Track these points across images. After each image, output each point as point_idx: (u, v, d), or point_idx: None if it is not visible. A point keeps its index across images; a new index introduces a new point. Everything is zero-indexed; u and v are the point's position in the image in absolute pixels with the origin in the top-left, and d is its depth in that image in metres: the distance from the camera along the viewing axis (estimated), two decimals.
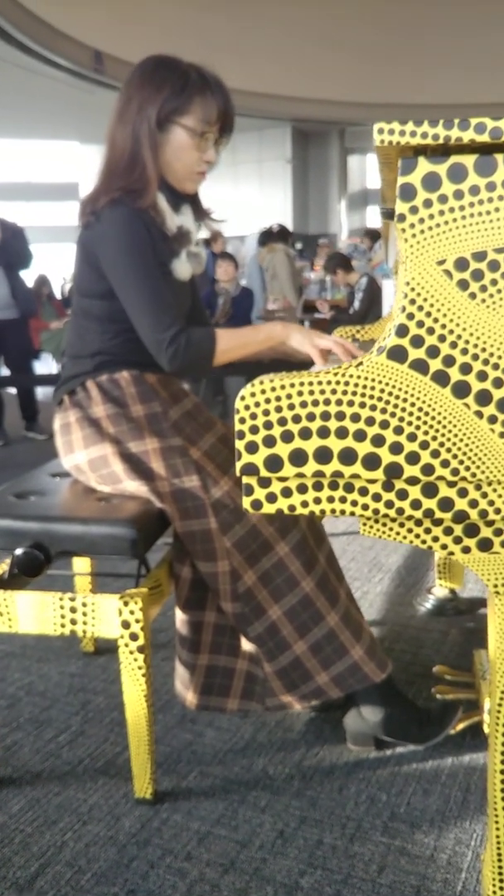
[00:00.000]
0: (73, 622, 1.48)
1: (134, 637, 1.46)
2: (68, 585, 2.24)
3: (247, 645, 1.64)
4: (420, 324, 0.88)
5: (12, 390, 6.85)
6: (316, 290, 8.31)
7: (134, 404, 1.66)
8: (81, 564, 2.08)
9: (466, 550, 0.96)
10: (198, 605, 1.64)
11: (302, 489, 0.94)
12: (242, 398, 0.92)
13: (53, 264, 11.78)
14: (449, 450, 0.89)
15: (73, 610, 1.48)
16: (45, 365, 9.66)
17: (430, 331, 0.88)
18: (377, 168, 1.18)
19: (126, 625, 1.45)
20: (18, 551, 1.46)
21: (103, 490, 1.65)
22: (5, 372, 5.91)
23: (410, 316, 0.88)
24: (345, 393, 0.90)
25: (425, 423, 0.89)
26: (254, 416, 0.92)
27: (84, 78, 12.20)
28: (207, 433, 1.71)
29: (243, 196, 15.00)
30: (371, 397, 0.89)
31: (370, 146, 16.20)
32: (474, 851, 1.40)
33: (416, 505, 0.92)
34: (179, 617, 1.66)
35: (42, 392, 6.28)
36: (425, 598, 2.41)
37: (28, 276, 5.70)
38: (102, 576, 1.90)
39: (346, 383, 0.90)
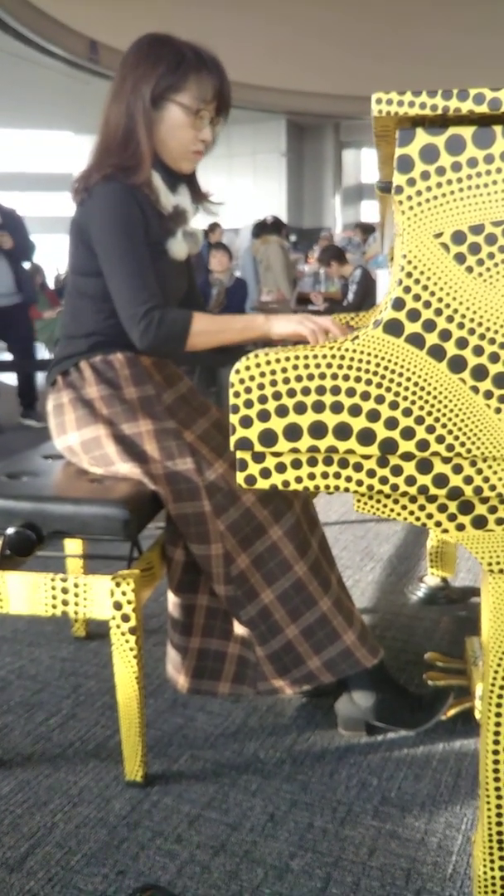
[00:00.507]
0: (65, 603, 1.48)
1: (126, 618, 1.45)
2: (60, 569, 2.23)
3: (239, 628, 1.64)
4: (416, 297, 0.88)
5: (6, 379, 6.82)
6: (310, 282, 8.30)
7: (127, 386, 1.65)
8: (73, 548, 2.07)
9: (461, 528, 0.95)
10: (190, 587, 1.64)
11: (296, 465, 0.93)
12: (237, 371, 0.91)
13: (47, 254, 11.72)
14: (444, 425, 0.89)
15: (64, 591, 1.47)
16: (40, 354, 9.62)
17: (427, 304, 0.88)
18: (373, 149, 1.17)
19: (118, 606, 1.45)
20: (10, 531, 1.45)
21: (96, 472, 1.64)
22: (5, 357, 5.92)
23: (407, 289, 0.88)
24: (340, 367, 0.89)
25: (421, 398, 0.89)
26: (248, 390, 0.91)
27: (79, 67, 12.16)
28: (201, 417, 1.70)
29: (238, 189, 14.98)
30: (367, 371, 0.89)
31: (365, 140, 16.24)
32: (465, 835, 1.40)
33: (410, 481, 0.91)
34: (171, 600, 1.65)
35: (41, 380, 6.27)
36: (417, 587, 2.41)
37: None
38: (94, 558, 1.89)
39: (342, 357, 0.89)
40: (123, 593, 1.44)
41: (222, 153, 15.33)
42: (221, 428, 1.71)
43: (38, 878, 1.31)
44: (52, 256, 12.65)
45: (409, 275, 0.87)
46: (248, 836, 1.40)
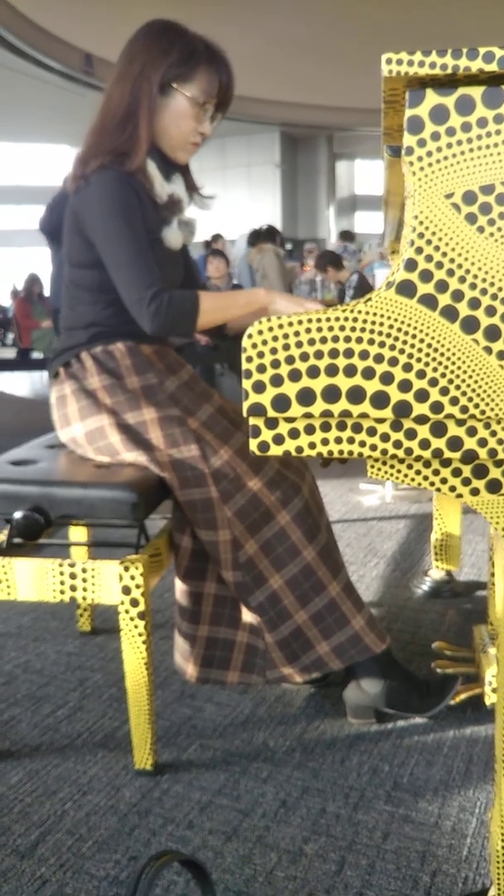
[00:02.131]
0: (73, 588, 1.47)
1: (135, 603, 1.44)
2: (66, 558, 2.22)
3: (247, 616, 1.63)
4: (429, 258, 0.87)
5: (7, 388, 6.82)
6: (306, 290, 8.32)
7: (129, 376, 1.64)
8: (79, 536, 2.06)
9: (475, 492, 0.95)
10: (198, 575, 1.63)
11: (309, 430, 0.92)
12: (249, 336, 0.90)
13: (45, 267, 11.74)
14: (458, 387, 0.88)
15: (72, 576, 1.46)
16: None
17: (439, 265, 0.87)
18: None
19: (126, 590, 1.44)
20: (17, 514, 1.44)
21: (101, 461, 1.63)
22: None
23: (419, 250, 0.87)
24: (353, 329, 0.89)
25: (434, 359, 0.88)
26: (261, 355, 0.91)
27: (74, 80, 12.23)
28: (206, 403, 1.69)
29: (233, 201, 15.03)
30: (380, 334, 0.88)
31: (358, 151, 16.33)
32: (479, 819, 1.39)
33: (424, 445, 0.91)
34: (179, 587, 1.64)
35: (33, 390, 6.23)
36: (422, 581, 2.40)
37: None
38: (101, 546, 1.88)
39: (355, 319, 0.89)
40: (132, 577, 1.43)
41: (217, 165, 15.42)
42: (226, 413, 1.71)
43: (50, 865, 1.30)
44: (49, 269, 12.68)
45: (421, 235, 0.87)
46: (261, 822, 1.39)
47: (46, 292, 10.43)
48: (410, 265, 0.88)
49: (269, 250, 7.17)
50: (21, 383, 9.32)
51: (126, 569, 1.43)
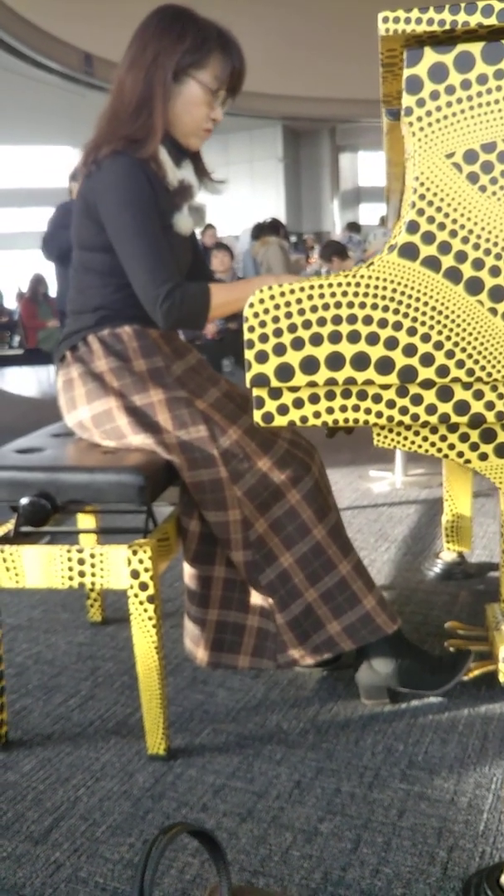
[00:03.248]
0: (82, 574, 1.46)
1: (144, 587, 1.43)
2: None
3: (257, 599, 1.62)
4: (431, 219, 0.86)
5: (10, 388, 6.84)
6: None
7: (136, 359, 1.64)
8: (87, 525, 2.06)
9: (483, 457, 0.94)
10: (206, 559, 1.62)
11: (314, 399, 0.92)
12: (251, 305, 0.90)
13: (48, 270, 11.75)
14: (464, 349, 0.87)
15: (81, 562, 1.46)
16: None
17: (441, 226, 0.86)
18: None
19: (135, 574, 1.43)
20: (24, 500, 1.44)
21: (108, 445, 1.62)
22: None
23: (420, 212, 0.86)
24: (356, 295, 0.88)
25: (439, 322, 0.87)
26: (263, 324, 0.90)
27: (75, 81, 12.23)
28: (212, 387, 1.68)
29: (236, 196, 15.01)
30: (383, 298, 0.87)
31: (361, 143, 16.27)
32: (495, 794, 1.38)
33: (431, 410, 0.90)
34: (188, 572, 1.63)
35: (40, 390, 6.23)
36: (433, 563, 2.39)
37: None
38: (109, 532, 1.87)
39: (357, 284, 0.88)
40: (140, 561, 1.42)
41: (219, 162, 15.38)
42: (233, 397, 1.70)
43: (64, 849, 1.29)
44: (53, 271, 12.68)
45: (423, 197, 0.86)
46: (275, 803, 1.38)
47: (51, 292, 10.44)
48: (412, 227, 0.87)
49: (274, 243, 7.15)
50: (28, 383, 9.34)
51: (134, 552, 1.43)
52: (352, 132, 16.51)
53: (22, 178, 17.58)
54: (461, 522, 2.30)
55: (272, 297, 0.89)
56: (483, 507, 2.94)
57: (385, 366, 0.89)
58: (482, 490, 3.13)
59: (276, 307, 0.90)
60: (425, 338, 0.88)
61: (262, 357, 0.91)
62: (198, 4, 1.63)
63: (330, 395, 0.91)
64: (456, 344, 0.87)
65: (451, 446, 0.93)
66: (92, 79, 12.11)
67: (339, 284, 0.88)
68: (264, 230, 7.29)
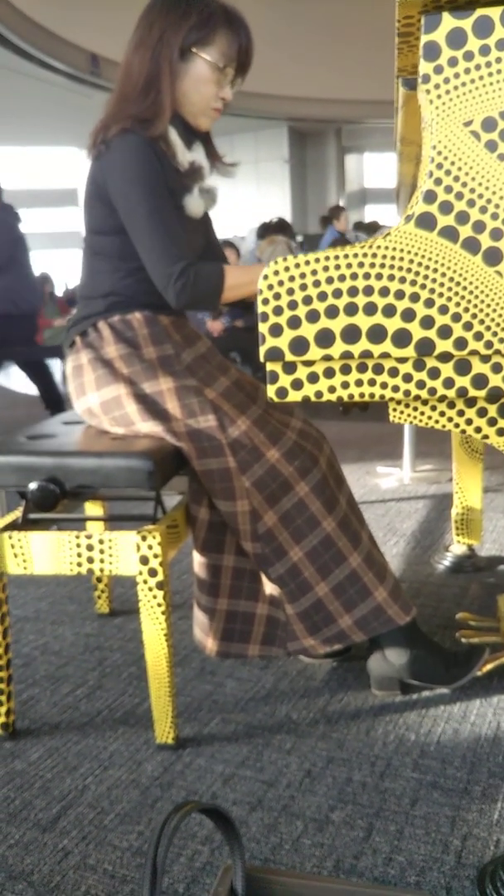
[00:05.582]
0: (90, 560, 1.45)
1: (153, 573, 1.42)
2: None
3: (267, 588, 1.60)
4: (448, 189, 0.85)
5: (17, 387, 6.82)
6: None
7: (146, 346, 1.62)
8: (95, 513, 2.04)
9: (501, 433, 0.92)
10: (216, 547, 1.60)
11: (329, 373, 0.90)
12: (265, 277, 0.88)
13: (55, 270, 11.76)
14: (482, 321, 0.86)
15: (89, 548, 1.44)
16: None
17: (459, 196, 0.85)
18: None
19: (144, 560, 1.41)
20: (32, 485, 1.42)
21: (117, 432, 1.61)
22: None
23: (438, 181, 0.85)
24: (372, 266, 0.86)
25: (457, 293, 0.86)
26: (277, 297, 0.88)
27: (81, 81, 12.24)
28: (222, 376, 1.67)
29: (241, 197, 15.00)
30: (400, 269, 0.86)
31: (367, 144, 16.22)
32: None
33: (448, 384, 0.88)
34: (197, 560, 1.62)
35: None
36: (443, 556, 2.37)
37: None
38: (117, 520, 1.85)
39: (374, 255, 0.86)
40: (150, 547, 1.41)
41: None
42: (243, 386, 1.68)
43: (72, 837, 1.28)
44: (60, 271, 12.70)
45: (440, 166, 0.85)
46: (286, 792, 1.37)
47: (58, 291, 10.44)
48: (429, 197, 0.85)
49: (282, 242, 7.12)
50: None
51: (143, 538, 1.41)
52: (358, 133, 16.49)
53: (28, 179, 17.60)
54: (471, 515, 2.28)
55: (287, 269, 0.88)
56: (493, 503, 2.92)
57: (402, 338, 0.87)
58: (491, 486, 3.11)
59: (291, 279, 0.88)
60: (443, 309, 0.86)
61: (276, 330, 0.89)
62: None
63: (345, 370, 0.90)
64: (474, 316, 0.86)
65: (469, 421, 0.92)
66: (98, 79, 12.11)
67: (356, 255, 0.86)
68: (270, 229, 7.26)
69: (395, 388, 0.89)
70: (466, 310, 0.86)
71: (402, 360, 0.88)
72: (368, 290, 0.87)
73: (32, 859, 1.23)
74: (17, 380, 9.39)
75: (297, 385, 0.91)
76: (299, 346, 0.89)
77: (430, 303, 0.86)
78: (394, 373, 0.89)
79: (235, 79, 1.66)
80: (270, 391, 0.92)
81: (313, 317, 0.88)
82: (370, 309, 0.87)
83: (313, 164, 16.90)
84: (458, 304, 0.86)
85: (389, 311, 0.87)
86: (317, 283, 0.88)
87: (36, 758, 1.50)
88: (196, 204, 1.64)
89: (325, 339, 0.88)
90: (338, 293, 0.87)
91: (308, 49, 12.50)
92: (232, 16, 1.60)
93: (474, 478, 2.27)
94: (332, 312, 0.88)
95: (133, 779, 1.42)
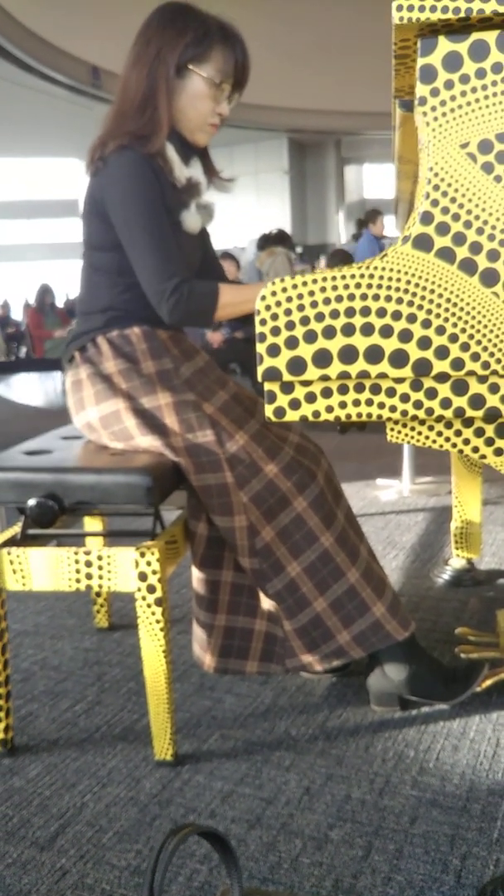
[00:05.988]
0: (89, 577, 1.45)
1: (151, 589, 1.42)
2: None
3: (266, 604, 1.60)
4: (445, 210, 0.85)
5: (17, 398, 6.83)
6: None
7: (145, 360, 1.63)
8: (93, 528, 2.04)
9: (499, 453, 0.92)
10: (214, 563, 1.60)
11: (326, 393, 0.90)
12: (263, 298, 0.88)
13: (56, 281, 11.80)
14: (479, 342, 0.86)
15: (88, 564, 1.44)
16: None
17: (456, 217, 0.85)
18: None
19: (143, 577, 1.41)
20: (31, 502, 1.42)
21: (116, 447, 1.61)
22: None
23: (435, 202, 0.85)
24: (369, 287, 0.86)
25: (454, 314, 0.86)
26: (275, 317, 0.89)
27: (82, 93, 12.31)
28: (221, 390, 1.67)
29: (241, 208, 15.05)
30: (397, 290, 0.86)
31: (366, 156, 16.31)
32: None
33: (445, 404, 0.88)
34: (196, 576, 1.62)
35: (46, 400, 6.20)
36: (442, 570, 2.36)
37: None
38: (116, 535, 1.86)
39: (371, 276, 0.86)
40: (148, 563, 1.41)
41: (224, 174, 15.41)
42: (241, 400, 1.68)
43: (70, 856, 1.27)
44: (61, 282, 12.74)
45: (437, 188, 0.85)
46: (284, 810, 1.36)
47: (58, 303, 10.47)
48: (426, 218, 0.86)
49: (281, 253, 7.16)
50: (35, 393, 9.34)
51: (142, 555, 1.41)
52: (357, 145, 16.57)
53: (29, 190, 17.68)
54: (470, 529, 2.28)
55: (284, 290, 0.88)
56: (492, 516, 2.92)
57: (399, 359, 0.87)
58: (490, 498, 3.11)
59: (289, 300, 0.88)
60: (440, 330, 0.86)
61: (273, 351, 0.89)
62: None
63: (343, 390, 0.90)
64: (471, 336, 0.86)
65: (466, 441, 0.92)
66: (99, 91, 12.18)
67: (353, 276, 0.87)
68: (270, 241, 7.29)
69: (393, 409, 0.89)
70: (463, 330, 0.86)
71: (400, 381, 0.89)
72: (366, 311, 0.87)
73: (30, 879, 1.23)
74: (19, 391, 9.42)
75: (295, 405, 0.91)
76: (297, 366, 0.89)
77: (427, 323, 0.86)
78: (391, 393, 0.89)
79: (232, 94, 1.67)
80: (268, 411, 0.92)
81: (311, 337, 0.88)
82: (367, 329, 0.87)
83: (313, 175, 16.96)
84: (455, 325, 0.86)
85: (387, 331, 0.87)
86: (314, 304, 0.88)
87: (34, 775, 1.49)
88: (193, 220, 1.65)
89: (322, 359, 0.89)
90: (335, 314, 0.88)
91: (308, 61, 12.57)
92: (228, 32, 1.61)
93: (473, 491, 2.27)
94: (329, 333, 0.88)
95: (131, 796, 1.42)
